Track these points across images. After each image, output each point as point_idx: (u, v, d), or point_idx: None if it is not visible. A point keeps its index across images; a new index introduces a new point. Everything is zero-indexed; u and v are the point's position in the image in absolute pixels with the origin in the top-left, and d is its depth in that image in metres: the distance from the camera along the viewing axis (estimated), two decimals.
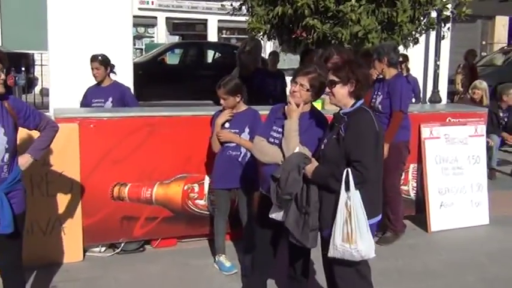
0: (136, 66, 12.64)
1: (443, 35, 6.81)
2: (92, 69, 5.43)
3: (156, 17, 21.46)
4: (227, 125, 4.36)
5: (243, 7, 7.42)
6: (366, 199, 2.96)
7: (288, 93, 3.64)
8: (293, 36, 7.19)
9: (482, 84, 8.08)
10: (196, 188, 4.89)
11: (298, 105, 3.44)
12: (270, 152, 3.49)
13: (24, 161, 3.15)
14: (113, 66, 5.58)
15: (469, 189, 5.69)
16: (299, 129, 3.40)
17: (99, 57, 5.41)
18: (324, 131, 3.42)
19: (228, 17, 20.37)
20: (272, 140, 3.54)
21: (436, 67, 9.39)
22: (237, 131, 4.35)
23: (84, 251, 4.64)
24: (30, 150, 3.21)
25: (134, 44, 21.56)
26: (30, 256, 3.78)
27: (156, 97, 12.18)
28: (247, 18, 7.41)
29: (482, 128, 5.75)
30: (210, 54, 14.33)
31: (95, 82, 5.53)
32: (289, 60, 21.39)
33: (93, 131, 4.50)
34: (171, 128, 4.73)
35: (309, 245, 3.12)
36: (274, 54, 8.38)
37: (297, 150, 3.30)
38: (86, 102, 5.54)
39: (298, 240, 3.11)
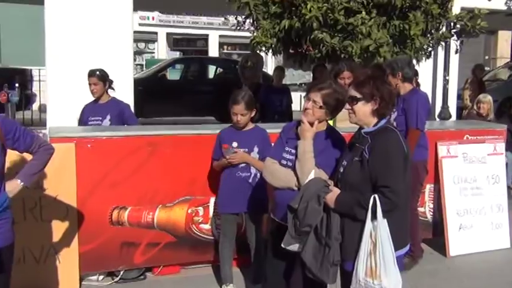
0: (137, 82, 12.36)
1: (457, 49, 6.53)
2: (90, 84, 5.15)
3: (156, 33, 21.28)
4: (235, 144, 4.09)
5: (248, 21, 7.15)
6: (394, 228, 2.66)
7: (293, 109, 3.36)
8: (299, 50, 6.94)
9: (486, 98, 7.78)
10: (201, 211, 4.58)
11: (311, 124, 3.16)
12: (282, 175, 3.21)
13: (12, 187, 2.85)
14: (111, 81, 5.30)
15: (488, 211, 5.38)
16: (314, 151, 3.12)
17: (97, 72, 5.14)
18: (341, 151, 3.14)
19: (229, 32, 20.38)
20: (285, 163, 3.25)
21: (446, 82, 9.10)
22: (246, 150, 4.11)
23: (81, 280, 4.31)
24: (20, 175, 2.91)
25: (134, 60, 21.33)
26: (22, 286, 3.51)
27: (156, 114, 11.94)
28: (250, 33, 7.15)
29: (501, 146, 5.46)
30: (212, 70, 14.09)
31: (93, 98, 5.26)
32: (290, 76, 21.25)
33: (91, 151, 4.20)
34: (173, 148, 4.43)
35: (329, 282, 2.80)
36: (280, 70, 8.12)
37: (312, 174, 3.02)
38: (82, 120, 5.26)
39: (316, 276, 2.80)
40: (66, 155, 4.08)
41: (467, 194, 5.30)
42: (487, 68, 22.53)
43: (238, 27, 7.61)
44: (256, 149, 4.12)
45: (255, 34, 6.44)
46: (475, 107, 7.68)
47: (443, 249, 5.20)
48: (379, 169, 2.65)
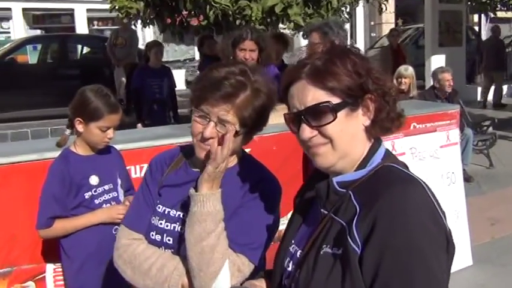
0: None
1: (382, 7, 5.14)
2: None
3: (10, 8, 18.09)
4: (95, 180, 2.39)
5: None
6: None
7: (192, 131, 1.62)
8: (178, 18, 5.22)
9: (408, 71, 6.54)
10: None
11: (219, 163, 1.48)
12: (154, 269, 1.51)
13: None
14: None
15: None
16: (224, 212, 1.47)
17: None
18: (274, 211, 1.54)
19: (98, 6, 17.80)
20: (158, 239, 1.56)
21: None
22: (111, 186, 2.48)
23: None
24: None
25: None
26: None
27: (4, 108, 9.57)
28: None
29: (455, 134, 4.15)
30: (77, 49, 11.83)
31: None
32: (172, 52, 19.24)
33: None
34: None
35: None
36: (156, 45, 6.31)
37: (226, 268, 1.39)
38: None
39: None
40: None
41: None
42: (373, 34, 22.19)
43: None
44: (119, 182, 2.51)
45: None
46: (395, 81, 6.41)
47: None
48: (388, 283, 1.05)
